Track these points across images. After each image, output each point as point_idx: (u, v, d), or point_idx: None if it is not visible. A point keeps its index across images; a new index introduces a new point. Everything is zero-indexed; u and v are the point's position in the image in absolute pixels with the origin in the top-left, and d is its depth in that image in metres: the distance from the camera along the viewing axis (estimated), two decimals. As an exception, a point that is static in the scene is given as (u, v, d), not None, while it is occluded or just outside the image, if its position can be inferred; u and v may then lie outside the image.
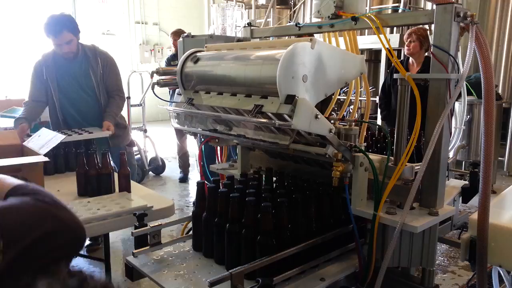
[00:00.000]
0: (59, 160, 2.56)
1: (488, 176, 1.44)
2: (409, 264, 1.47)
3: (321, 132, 1.26)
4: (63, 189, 2.20)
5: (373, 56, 7.68)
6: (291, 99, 1.20)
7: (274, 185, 1.71)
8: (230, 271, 1.19)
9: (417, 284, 1.49)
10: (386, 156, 1.48)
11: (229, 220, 1.42)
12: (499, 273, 1.85)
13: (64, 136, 2.42)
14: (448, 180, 1.97)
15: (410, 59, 3.84)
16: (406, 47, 3.76)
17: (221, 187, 1.56)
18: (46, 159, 1.97)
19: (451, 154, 2.10)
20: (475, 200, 1.52)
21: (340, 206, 1.53)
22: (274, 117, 1.26)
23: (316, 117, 1.23)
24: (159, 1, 11.58)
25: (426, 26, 3.65)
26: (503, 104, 5.38)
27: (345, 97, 1.95)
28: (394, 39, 5.52)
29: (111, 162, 2.20)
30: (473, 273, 1.57)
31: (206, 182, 1.63)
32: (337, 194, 1.53)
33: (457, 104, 1.88)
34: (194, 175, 5.91)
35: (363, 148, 1.45)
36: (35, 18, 9.35)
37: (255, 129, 1.44)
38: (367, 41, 5.76)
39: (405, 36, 3.79)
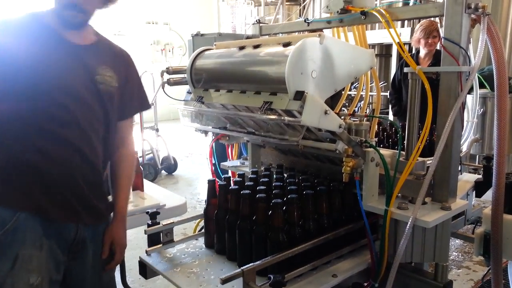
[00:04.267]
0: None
1: (501, 170, 1.41)
2: (422, 259, 1.46)
3: (330, 127, 1.26)
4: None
5: (384, 50, 7.61)
6: (300, 95, 1.20)
7: (285, 181, 1.71)
8: (241, 268, 1.20)
9: (430, 280, 1.48)
10: (397, 151, 1.47)
11: (240, 217, 1.43)
12: (515, 268, 1.83)
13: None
14: (461, 174, 1.95)
15: (421, 52, 3.77)
16: (428, 44, 3.63)
17: (232, 184, 1.56)
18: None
19: (464, 148, 2.07)
20: (489, 195, 1.50)
21: (351, 202, 1.53)
22: (283, 113, 1.26)
23: (326, 112, 1.22)
24: (169, 0, 11.63)
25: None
26: (518, 96, 5.26)
27: (355, 93, 1.94)
28: (405, 33, 5.45)
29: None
30: (488, 268, 1.55)
31: (217, 179, 1.64)
32: (348, 189, 1.52)
33: (469, 97, 1.86)
34: (206, 173, 5.94)
35: (373, 143, 1.44)
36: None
37: (265, 126, 1.45)
38: (378, 35, 5.70)
39: (424, 33, 3.64)
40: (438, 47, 3.68)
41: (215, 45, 1.71)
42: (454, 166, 1.43)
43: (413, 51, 3.99)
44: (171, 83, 1.78)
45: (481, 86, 3.79)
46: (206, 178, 1.72)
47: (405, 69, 1.46)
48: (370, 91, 3.25)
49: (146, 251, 1.55)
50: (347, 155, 1.35)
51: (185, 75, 1.69)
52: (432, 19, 3.52)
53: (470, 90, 1.52)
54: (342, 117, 1.48)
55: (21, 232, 1.27)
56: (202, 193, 5.26)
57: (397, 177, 1.39)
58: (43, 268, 1.30)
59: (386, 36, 1.44)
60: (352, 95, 5.16)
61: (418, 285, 1.51)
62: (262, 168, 1.93)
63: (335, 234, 1.43)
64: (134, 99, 1.54)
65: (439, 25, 3.60)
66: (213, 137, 1.92)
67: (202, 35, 2.51)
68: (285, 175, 1.75)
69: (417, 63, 3.67)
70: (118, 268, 2.88)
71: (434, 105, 1.40)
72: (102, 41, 1.50)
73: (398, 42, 1.50)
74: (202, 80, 1.63)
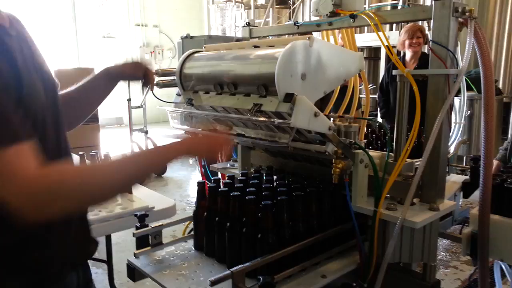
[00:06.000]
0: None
1: (488, 171, 1.44)
2: (410, 259, 1.47)
3: (320, 129, 1.26)
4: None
5: (372, 53, 7.69)
6: (289, 98, 1.20)
7: (275, 183, 1.72)
8: (231, 269, 1.19)
9: (418, 280, 1.49)
10: (386, 153, 1.48)
11: (230, 219, 1.43)
12: (501, 267, 1.86)
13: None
14: (449, 175, 1.97)
15: (407, 55, 3.83)
16: (412, 45, 3.69)
17: (221, 186, 1.56)
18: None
19: (452, 149, 2.10)
20: (476, 195, 1.52)
21: (340, 203, 1.54)
22: (273, 115, 1.27)
23: (315, 115, 1.23)
24: (159, 3, 11.60)
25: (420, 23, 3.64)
26: (504, 98, 5.37)
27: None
28: (393, 36, 5.51)
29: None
30: (475, 267, 1.57)
31: (206, 181, 1.63)
32: (337, 191, 1.53)
33: (457, 100, 1.89)
34: (196, 175, 5.93)
35: (363, 145, 1.45)
36: (34, 21, 9.37)
37: (254, 128, 1.45)
38: (366, 38, 5.76)
39: (408, 34, 3.71)
40: (426, 50, 3.74)
41: (204, 47, 1.71)
42: (442, 168, 1.45)
43: (401, 54, 4.05)
44: (160, 85, 1.77)
45: (468, 88, 3.86)
46: (195, 180, 1.71)
47: (394, 72, 1.47)
48: (360, 94, 3.28)
49: (135, 254, 1.54)
50: (337, 156, 1.36)
51: (175, 77, 1.69)
52: (420, 22, 3.57)
53: (458, 93, 1.55)
54: (332, 119, 1.49)
55: None
56: (191, 195, 5.24)
57: (386, 178, 1.41)
58: None
59: (375, 39, 1.46)
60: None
61: (406, 285, 1.52)
62: (252, 170, 1.93)
63: (324, 235, 1.44)
64: None
65: (427, 28, 3.67)
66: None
67: (191, 37, 2.51)
68: (275, 177, 1.76)
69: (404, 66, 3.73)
70: (106, 270, 2.86)
71: (421, 107, 1.42)
72: None
73: (386, 45, 1.51)
74: (192, 83, 1.62)
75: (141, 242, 1.56)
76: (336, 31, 1.86)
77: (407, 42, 3.73)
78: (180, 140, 1.17)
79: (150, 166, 1.08)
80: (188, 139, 1.27)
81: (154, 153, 1.12)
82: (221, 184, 1.60)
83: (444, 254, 3.49)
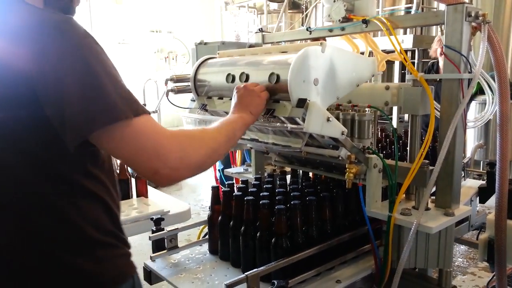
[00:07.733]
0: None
1: (504, 176, 1.42)
2: (425, 265, 1.46)
3: (333, 134, 1.27)
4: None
5: (387, 57, 7.62)
6: (302, 103, 1.21)
7: (288, 187, 1.73)
8: (245, 273, 1.21)
9: (434, 285, 1.48)
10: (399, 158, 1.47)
11: (244, 223, 1.44)
12: (520, 274, 1.82)
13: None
14: (465, 180, 1.95)
15: (440, 62, 3.87)
16: (442, 54, 3.78)
17: (235, 191, 1.58)
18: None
19: (468, 154, 2.07)
20: (493, 200, 1.50)
21: (355, 208, 1.54)
22: (286, 120, 1.28)
23: (328, 120, 1.24)
24: (172, 9, 11.74)
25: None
26: (522, 102, 5.25)
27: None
28: (408, 40, 5.47)
29: (129, 168, 2.24)
30: (492, 274, 1.55)
31: (220, 186, 1.65)
32: (351, 195, 1.53)
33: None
34: (210, 180, 5.96)
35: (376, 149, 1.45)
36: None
37: (268, 133, 1.46)
38: (380, 41, 5.73)
39: (439, 43, 3.80)
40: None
41: (218, 53, 1.73)
42: (457, 172, 1.44)
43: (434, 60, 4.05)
44: (175, 91, 1.80)
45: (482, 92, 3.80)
46: (210, 185, 1.73)
47: (407, 77, 1.47)
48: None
49: (151, 257, 1.57)
50: (350, 161, 1.36)
51: (189, 83, 1.71)
52: (434, 27, 3.56)
53: (473, 96, 1.54)
54: (343, 109, 1.49)
55: None
56: (205, 200, 5.27)
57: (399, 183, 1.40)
58: None
59: (388, 43, 1.46)
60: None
61: (422, 291, 1.51)
62: (266, 175, 1.95)
63: (338, 240, 1.44)
64: None
65: (440, 33, 3.67)
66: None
67: (205, 43, 2.54)
68: (289, 181, 1.77)
69: (437, 72, 3.75)
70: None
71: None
72: None
73: (400, 50, 1.51)
74: (205, 88, 1.65)
75: (157, 245, 1.59)
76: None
77: (438, 50, 3.82)
78: (238, 114, 1.23)
79: (234, 137, 1.16)
80: (243, 108, 1.26)
81: (233, 125, 1.18)
82: (235, 188, 1.62)
83: (461, 260, 3.43)
